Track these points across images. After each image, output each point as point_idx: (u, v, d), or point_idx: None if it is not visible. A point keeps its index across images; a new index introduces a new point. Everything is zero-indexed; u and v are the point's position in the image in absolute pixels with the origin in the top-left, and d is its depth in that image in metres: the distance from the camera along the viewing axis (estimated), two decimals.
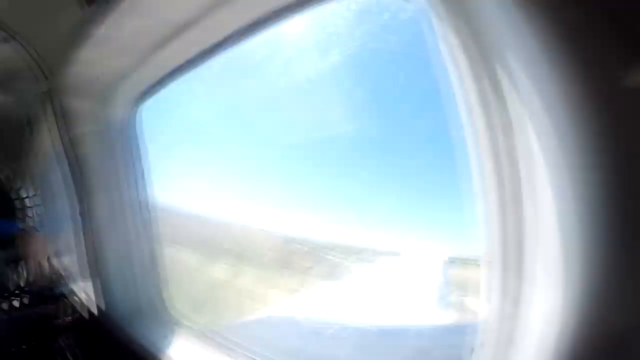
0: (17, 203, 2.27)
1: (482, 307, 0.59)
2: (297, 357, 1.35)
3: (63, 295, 1.93)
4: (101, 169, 1.32)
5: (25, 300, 2.17)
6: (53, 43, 1.25)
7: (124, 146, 1.30)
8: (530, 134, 0.51)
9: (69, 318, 1.85)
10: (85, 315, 1.73)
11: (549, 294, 0.51)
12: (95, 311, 1.57)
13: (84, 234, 1.44)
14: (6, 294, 2.06)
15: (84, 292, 1.75)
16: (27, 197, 2.26)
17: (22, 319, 2.03)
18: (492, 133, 0.57)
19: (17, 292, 2.22)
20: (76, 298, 1.85)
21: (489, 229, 0.58)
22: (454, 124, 0.63)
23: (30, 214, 2.30)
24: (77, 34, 1.12)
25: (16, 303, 2.15)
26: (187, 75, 1.15)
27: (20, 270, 2.36)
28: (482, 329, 0.61)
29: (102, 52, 1.16)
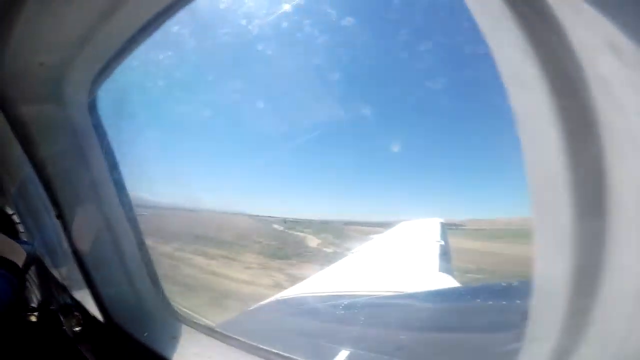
0: (6, 220, 2.17)
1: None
2: (299, 339, 1.31)
3: (70, 306, 1.88)
4: (70, 169, 1.18)
5: (37, 314, 2.16)
6: None
7: (89, 139, 1.15)
8: None
9: (78, 328, 1.81)
10: (93, 323, 1.67)
11: None
12: (101, 319, 1.50)
13: (69, 243, 1.33)
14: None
15: (87, 302, 1.68)
16: (13, 213, 2.15)
17: (37, 332, 2.02)
18: None
19: (31, 307, 2.22)
20: (83, 308, 1.79)
21: None
22: None
23: (21, 230, 2.20)
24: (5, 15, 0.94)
25: (33, 318, 2.15)
26: (144, 44, 0.98)
27: (29, 286, 2.32)
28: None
29: (38, 30, 0.97)
